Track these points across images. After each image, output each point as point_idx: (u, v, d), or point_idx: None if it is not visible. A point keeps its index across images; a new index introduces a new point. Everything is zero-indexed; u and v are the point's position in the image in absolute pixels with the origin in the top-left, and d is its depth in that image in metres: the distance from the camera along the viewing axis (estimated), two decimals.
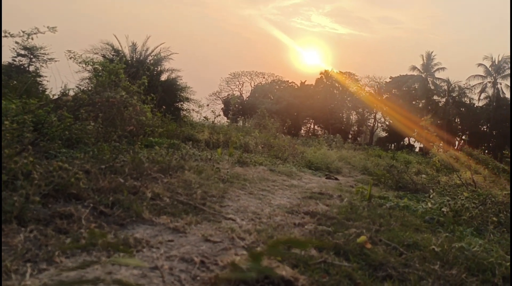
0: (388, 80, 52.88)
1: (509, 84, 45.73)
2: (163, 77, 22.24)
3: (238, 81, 61.54)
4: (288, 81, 59.32)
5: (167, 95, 20.34)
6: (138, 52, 21.89)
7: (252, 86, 60.74)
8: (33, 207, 3.75)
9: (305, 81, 56.60)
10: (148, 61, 21.63)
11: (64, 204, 4.06)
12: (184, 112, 22.03)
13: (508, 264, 3.65)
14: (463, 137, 47.39)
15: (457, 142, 48.78)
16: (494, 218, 5.42)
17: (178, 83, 21.93)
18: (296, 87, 57.11)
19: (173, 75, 22.28)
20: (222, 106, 55.30)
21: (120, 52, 21.19)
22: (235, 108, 46.60)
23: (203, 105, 22.88)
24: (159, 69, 21.90)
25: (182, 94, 21.94)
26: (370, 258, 3.72)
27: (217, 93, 60.54)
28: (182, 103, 22.28)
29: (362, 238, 4.03)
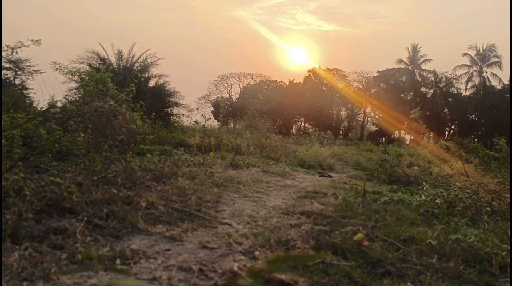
0: (375, 74, 53.14)
1: (494, 72, 46.19)
2: (151, 83, 22.18)
3: (226, 83, 61.46)
4: (276, 80, 59.36)
5: (156, 101, 20.28)
6: (125, 60, 21.79)
7: (241, 87, 60.66)
8: (26, 224, 3.71)
9: (293, 79, 56.72)
10: (135, 68, 21.53)
11: (58, 219, 4.02)
12: (174, 117, 21.98)
13: (504, 253, 3.68)
14: (453, 127, 47.76)
15: (446, 132, 49.16)
16: (488, 208, 5.47)
17: (166, 89, 21.88)
18: (284, 86, 57.15)
19: (161, 81, 22.24)
20: (212, 109, 55.19)
21: (107, 60, 21.06)
22: (225, 110, 46.54)
23: (193, 109, 22.84)
24: (146, 75, 21.82)
25: (171, 99, 21.90)
26: (368, 255, 3.73)
27: (206, 96, 60.43)
28: (171, 108, 22.23)
29: (359, 235, 4.04)
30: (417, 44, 49.43)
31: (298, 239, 4.10)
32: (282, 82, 58.67)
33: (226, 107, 49.35)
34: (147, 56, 22.00)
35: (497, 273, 3.52)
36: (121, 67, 21.35)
